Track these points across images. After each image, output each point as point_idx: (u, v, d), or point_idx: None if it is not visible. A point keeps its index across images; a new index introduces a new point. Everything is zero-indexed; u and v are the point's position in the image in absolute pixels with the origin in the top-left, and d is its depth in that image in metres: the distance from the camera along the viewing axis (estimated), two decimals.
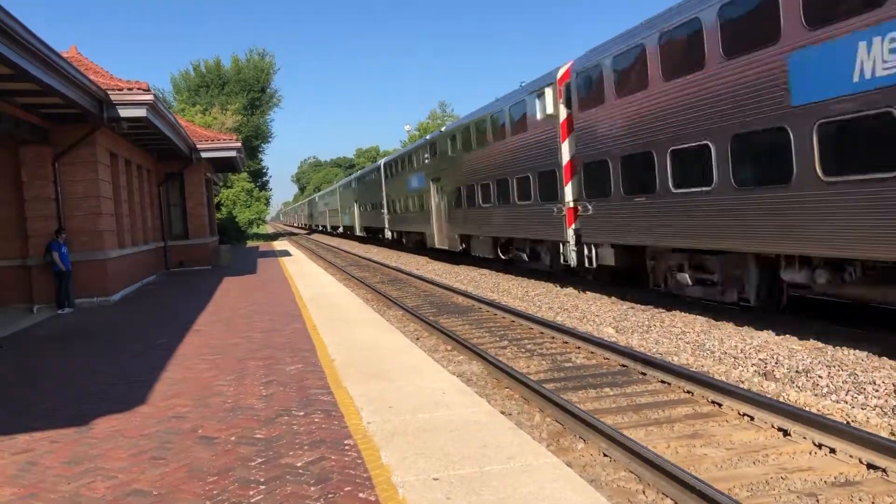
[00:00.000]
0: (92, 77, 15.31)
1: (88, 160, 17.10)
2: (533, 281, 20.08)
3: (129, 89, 16.27)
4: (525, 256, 20.74)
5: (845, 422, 6.95)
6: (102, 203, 17.44)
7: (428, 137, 30.52)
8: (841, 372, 8.65)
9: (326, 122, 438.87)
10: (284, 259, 31.10)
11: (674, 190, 12.97)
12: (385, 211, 39.73)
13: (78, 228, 17.01)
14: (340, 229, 65.07)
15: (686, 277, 13.42)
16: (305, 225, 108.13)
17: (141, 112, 16.53)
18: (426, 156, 30.00)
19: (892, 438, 6.35)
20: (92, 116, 15.68)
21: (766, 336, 10.84)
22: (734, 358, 9.85)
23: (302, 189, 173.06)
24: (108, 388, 8.31)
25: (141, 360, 9.81)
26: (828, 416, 6.98)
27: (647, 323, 12.73)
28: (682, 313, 13.23)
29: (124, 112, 16.26)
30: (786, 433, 6.77)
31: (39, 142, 16.39)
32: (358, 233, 52.45)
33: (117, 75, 17.83)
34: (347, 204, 56.81)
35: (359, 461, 5.29)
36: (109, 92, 15.77)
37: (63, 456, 5.87)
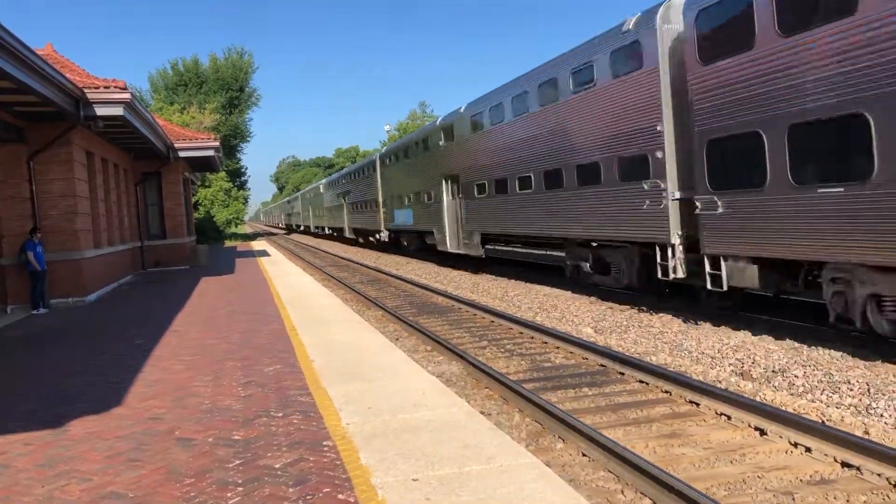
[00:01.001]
0: (68, 75, 15.13)
1: (64, 159, 16.88)
2: (512, 281, 20.12)
3: (106, 88, 16.10)
4: None
5: (820, 421, 7.04)
6: (78, 202, 17.23)
7: None
8: (816, 371, 8.75)
9: (305, 122, 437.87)
10: (263, 259, 30.90)
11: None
12: (669, 188, 12.58)
13: (53, 228, 16.78)
14: (383, 235, 35.69)
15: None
16: (289, 225, 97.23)
17: (118, 111, 16.36)
18: None
19: (866, 437, 6.45)
20: (68, 115, 15.48)
21: (743, 336, 10.95)
22: (711, 358, 9.93)
23: (281, 189, 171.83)
24: (84, 389, 8.20)
25: (117, 361, 9.70)
26: (803, 416, 7.07)
27: (625, 323, 12.81)
28: (660, 314, 13.33)
29: (101, 111, 16.08)
30: (762, 432, 6.84)
31: (14, 140, 16.15)
32: (454, 247, 24.41)
33: (94, 73, 17.65)
34: (400, 188, 31.25)
35: (338, 462, 5.27)
36: (86, 90, 15.58)
37: (37, 458, 5.79)
